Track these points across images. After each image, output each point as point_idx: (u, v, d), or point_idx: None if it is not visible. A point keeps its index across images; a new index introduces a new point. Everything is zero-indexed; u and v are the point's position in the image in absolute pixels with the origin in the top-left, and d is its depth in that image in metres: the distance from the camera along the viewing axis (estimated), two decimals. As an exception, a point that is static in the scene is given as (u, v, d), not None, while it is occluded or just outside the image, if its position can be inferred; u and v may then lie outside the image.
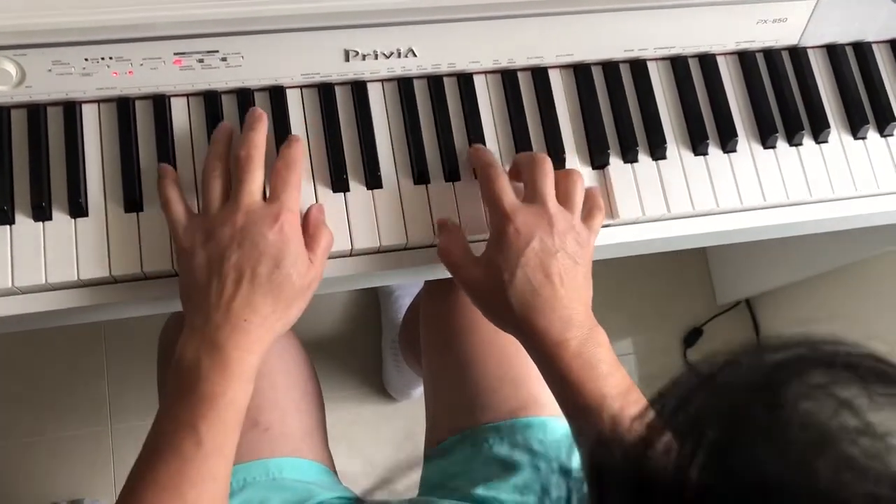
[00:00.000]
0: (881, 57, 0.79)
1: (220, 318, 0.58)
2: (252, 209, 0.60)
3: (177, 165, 0.67)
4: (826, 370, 0.33)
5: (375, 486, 1.36)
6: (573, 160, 0.72)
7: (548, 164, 0.65)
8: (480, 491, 0.75)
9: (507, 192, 0.64)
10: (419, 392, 1.38)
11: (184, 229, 0.61)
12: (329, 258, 0.67)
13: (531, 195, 0.64)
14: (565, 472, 0.76)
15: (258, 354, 0.59)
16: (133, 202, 0.65)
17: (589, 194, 0.68)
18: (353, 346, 1.44)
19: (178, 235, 0.61)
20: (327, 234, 0.64)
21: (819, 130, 0.75)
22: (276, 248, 0.59)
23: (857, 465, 0.30)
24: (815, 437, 0.31)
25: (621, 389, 0.60)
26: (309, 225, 0.63)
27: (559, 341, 0.60)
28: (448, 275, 0.67)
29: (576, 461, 0.77)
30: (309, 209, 0.64)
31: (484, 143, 0.71)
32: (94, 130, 0.66)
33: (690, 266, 1.57)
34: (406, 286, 1.36)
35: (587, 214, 0.66)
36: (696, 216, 0.72)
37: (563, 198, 0.65)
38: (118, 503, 0.56)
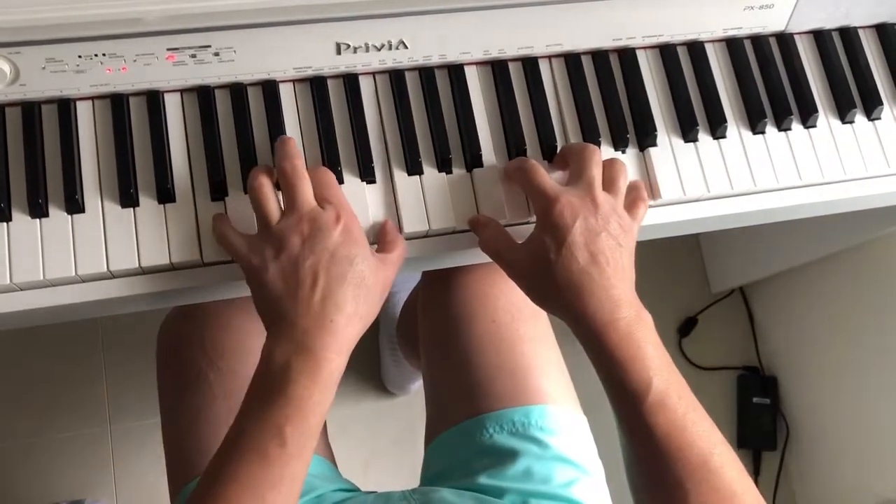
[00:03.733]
0: (867, 42, 0.80)
1: (307, 322, 0.59)
2: (313, 215, 0.61)
3: (172, 160, 0.67)
4: None
5: (374, 481, 1.37)
6: (565, 149, 0.72)
7: (597, 154, 0.67)
8: (483, 480, 0.75)
9: (548, 179, 0.66)
10: (417, 386, 1.39)
11: (249, 250, 0.62)
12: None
13: (577, 180, 0.66)
14: (566, 459, 0.77)
15: (345, 356, 0.61)
16: (129, 198, 0.65)
17: (633, 185, 0.70)
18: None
19: (244, 257, 0.62)
20: (403, 243, 0.67)
21: (807, 115, 0.76)
22: (346, 247, 0.61)
23: None
24: None
25: (666, 373, 0.61)
26: (386, 233, 0.67)
27: (608, 321, 0.61)
28: (439, 266, 0.68)
29: (575, 448, 0.78)
30: (386, 221, 0.68)
31: (476, 135, 0.71)
32: (88, 127, 0.67)
33: (683, 255, 1.58)
34: (402, 281, 1.37)
35: (631, 203, 0.68)
36: (687, 202, 0.73)
37: (607, 184, 0.66)
38: (196, 493, 0.57)
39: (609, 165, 0.68)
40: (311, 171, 0.64)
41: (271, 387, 0.58)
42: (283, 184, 0.63)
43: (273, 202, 0.63)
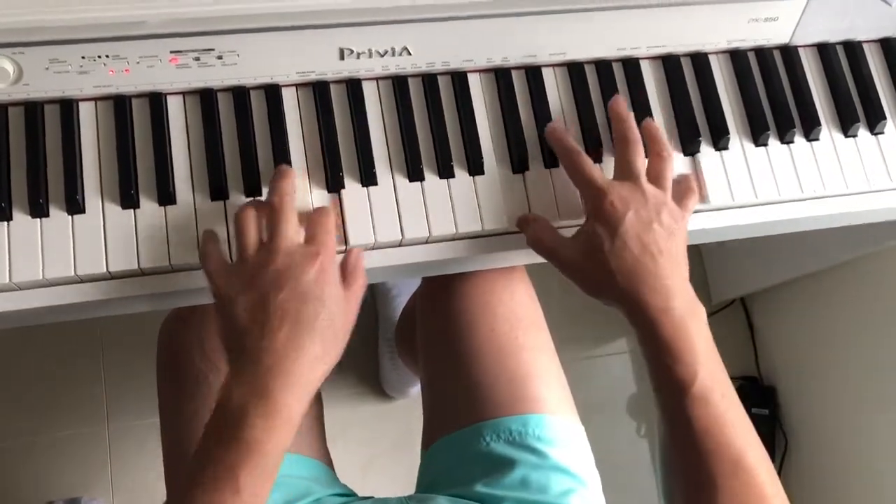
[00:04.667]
0: (871, 55, 0.80)
1: (269, 361, 0.57)
2: (290, 251, 0.60)
3: (173, 162, 0.67)
4: None
5: (372, 485, 1.37)
6: (567, 157, 0.72)
7: (640, 144, 0.68)
8: (480, 488, 0.75)
9: (597, 171, 0.66)
10: (416, 390, 1.39)
11: (222, 278, 0.61)
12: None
13: (623, 172, 0.67)
14: (563, 469, 0.76)
15: (305, 401, 0.59)
16: (130, 199, 0.66)
17: (683, 178, 0.71)
18: (349, 345, 1.44)
19: (217, 284, 0.61)
20: (363, 278, 0.65)
21: (810, 128, 0.76)
22: (319, 288, 0.59)
23: None
24: None
25: (713, 368, 0.62)
26: (348, 264, 0.64)
27: (662, 308, 0.62)
28: (437, 272, 0.68)
29: (573, 458, 0.78)
30: (350, 251, 0.66)
31: (478, 141, 0.71)
32: (90, 128, 0.67)
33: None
34: (403, 284, 1.37)
35: (680, 195, 0.69)
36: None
37: (654, 176, 0.67)
38: None
39: (656, 157, 0.68)
40: (316, 210, 0.64)
41: (228, 429, 0.57)
42: (268, 216, 0.62)
43: (253, 233, 0.62)
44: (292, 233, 0.61)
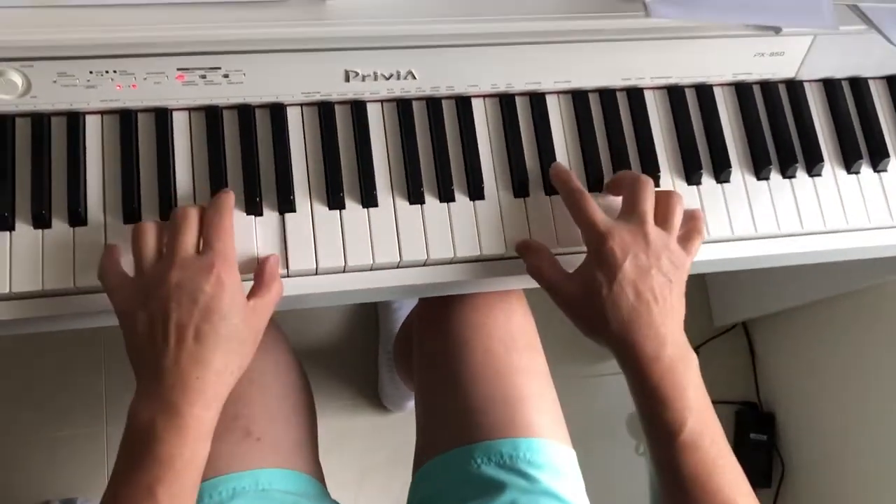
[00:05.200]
0: (877, 92, 0.80)
1: (172, 378, 0.57)
2: (185, 263, 0.59)
3: (176, 178, 0.68)
4: None
5: (366, 499, 1.37)
6: (567, 185, 0.73)
7: (650, 186, 0.67)
8: (468, 510, 0.75)
9: (599, 213, 0.66)
10: (413, 405, 1.39)
11: (121, 292, 0.60)
12: (324, 274, 0.68)
13: (629, 213, 0.66)
14: (553, 495, 0.76)
15: (215, 410, 0.59)
16: (132, 213, 0.66)
17: (690, 216, 0.70)
18: (349, 356, 1.45)
19: (115, 300, 0.60)
20: (278, 286, 0.64)
21: (813, 163, 0.76)
22: (218, 299, 0.58)
23: None
24: None
25: (703, 415, 0.62)
26: (265, 273, 0.64)
27: (653, 357, 0.63)
28: (434, 294, 0.68)
29: (563, 483, 0.78)
30: (267, 258, 0.65)
31: (479, 166, 0.72)
32: (96, 141, 0.68)
33: (687, 287, 1.57)
34: (404, 299, 1.37)
35: (685, 236, 0.68)
36: (687, 245, 0.73)
37: (661, 218, 0.67)
38: None
39: (665, 198, 0.68)
40: (208, 213, 0.62)
41: (139, 447, 0.56)
42: (167, 227, 0.61)
43: (150, 245, 0.61)
44: (189, 243, 0.60)
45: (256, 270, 0.64)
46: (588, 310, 0.65)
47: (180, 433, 0.56)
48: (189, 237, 0.61)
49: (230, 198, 0.64)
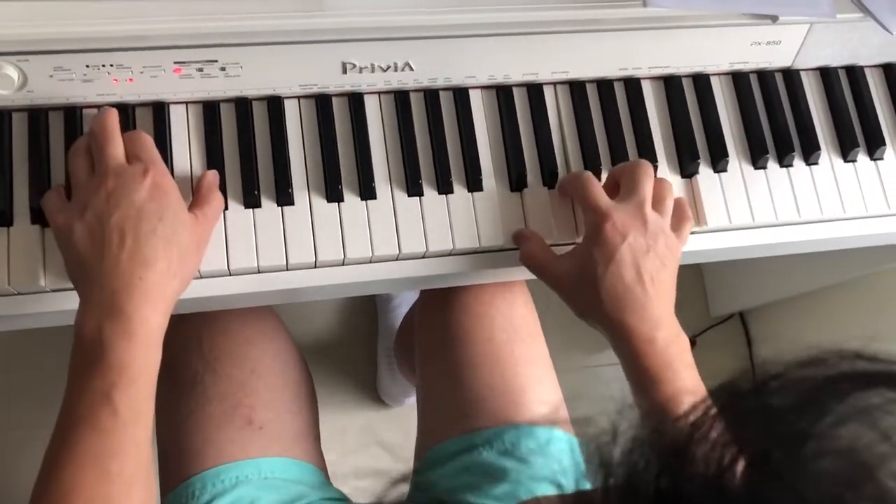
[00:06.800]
0: (873, 81, 0.80)
1: (114, 282, 0.56)
2: (119, 171, 0.59)
3: (174, 171, 0.67)
4: (885, 389, 0.31)
5: (365, 490, 1.37)
6: (565, 176, 0.73)
7: (650, 170, 0.68)
8: (471, 498, 0.75)
9: (602, 193, 0.67)
10: (413, 399, 1.39)
11: (58, 211, 0.60)
12: (323, 267, 0.68)
13: (628, 196, 0.67)
14: (554, 481, 0.77)
15: (162, 314, 0.58)
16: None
17: (678, 204, 0.70)
18: (348, 352, 1.45)
19: (53, 218, 0.60)
20: (218, 198, 0.65)
21: (810, 152, 0.76)
22: (155, 201, 0.58)
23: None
24: (851, 470, 0.30)
25: (696, 395, 0.61)
26: (202, 187, 0.65)
27: (647, 338, 0.63)
28: (433, 286, 0.68)
29: (566, 470, 0.78)
30: (204, 174, 0.66)
31: (478, 157, 0.71)
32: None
33: (684, 277, 1.56)
34: (403, 294, 1.37)
35: (676, 223, 0.69)
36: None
37: (656, 203, 0.68)
38: (37, 487, 0.55)
39: (658, 185, 0.69)
40: (125, 134, 0.62)
41: (90, 356, 0.56)
42: (92, 144, 0.61)
43: (82, 163, 0.61)
44: (118, 153, 0.61)
45: (195, 188, 0.65)
46: (582, 289, 0.65)
47: (130, 337, 0.55)
48: (117, 149, 0.61)
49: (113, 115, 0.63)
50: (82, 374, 0.56)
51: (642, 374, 0.63)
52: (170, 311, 0.59)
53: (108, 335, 0.55)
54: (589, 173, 0.69)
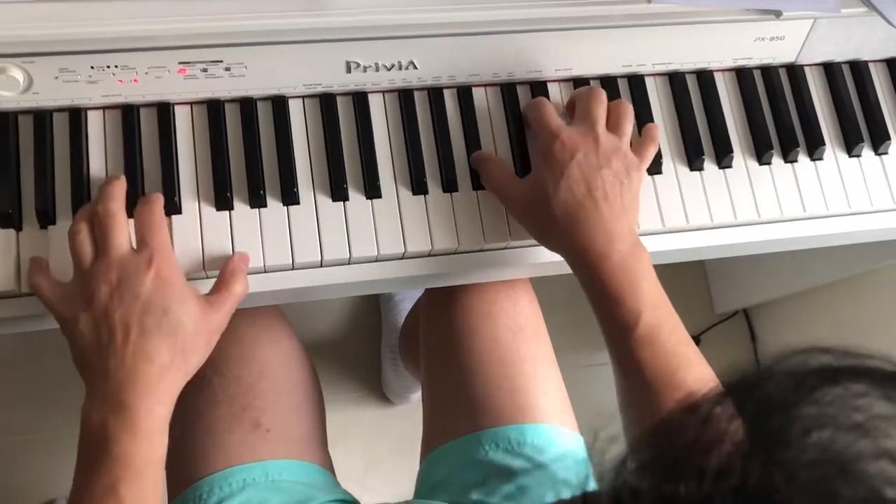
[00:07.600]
0: (877, 75, 0.80)
1: (119, 376, 0.57)
2: (122, 262, 0.59)
3: (179, 172, 0.68)
4: (868, 383, 0.31)
5: (372, 489, 1.37)
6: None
7: (602, 95, 0.69)
8: (475, 496, 0.75)
9: (554, 115, 0.68)
10: (417, 397, 1.39)
11: (59, 301, 0.60)
12: (329, 266, 0.68)
13: (581, 119, 0.67)
14: (560, 479, 0.77)
15: (167, 406, 0.59)
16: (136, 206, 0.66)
17: (647, 128, 0.71)
18: (353, 350, 1.45)
19: (56, 310, 0.60)
20: (242, 283, 0.64)
21: (814, 147, 0.76)
22: (159, 294, 0.58)
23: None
24: (836, 465, 0.29)
25: (657, 308, 0.62)
26: (225, 272, 0.63)
27: (602, 254, 0.62)
28: (437, 285, 0.68)
29: (571, 468, 0.78)
30: (231, 258, 0.65)
31: (482, 155, 0.71)
32: (98, 136, 0.67)
33: (688, 275, 1.58)
34: (407, 291, 1.37)
35: (640, 144, 0.69)
36: (691, 230, 0.73)
37: (613, 125, 0.68)
38: None
39: (615, 107, 0.69)
40: (138, 210, 0.62)
41: (95, 450, 0.56)
42: (95, 224, 0.61)
43: (85, 246, 0.60)
44: (122, 241, 0.60)
45: (221, 269, 0.64)
46: (536, 210, 0.65)
47: (133, 430, 0.56)
48: (122, 236, 0.60)
49: (159, 195, 0.64)
50: (90, 464, 0.57)
51: (601, 294, 0.62)
52: (174, 399, 0.59)
53: (112, 429, 0.56)
54: (543, 98, 0.70)
